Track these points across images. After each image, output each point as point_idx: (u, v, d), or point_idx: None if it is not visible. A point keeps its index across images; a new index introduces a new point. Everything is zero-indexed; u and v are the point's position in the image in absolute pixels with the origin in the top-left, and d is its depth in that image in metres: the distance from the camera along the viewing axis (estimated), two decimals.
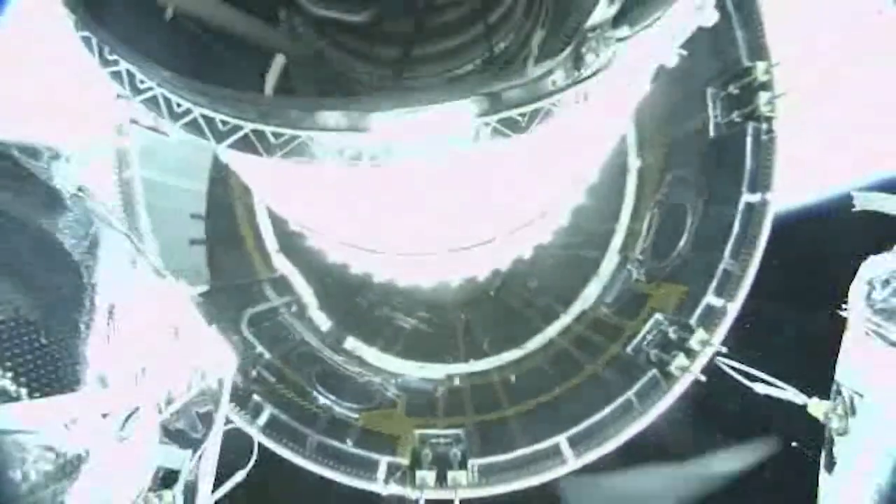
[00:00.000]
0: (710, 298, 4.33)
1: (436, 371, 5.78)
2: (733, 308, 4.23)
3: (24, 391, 1.92)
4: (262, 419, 4.42)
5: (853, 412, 2.74)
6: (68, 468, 2.00)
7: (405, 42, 3.18)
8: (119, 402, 2.28)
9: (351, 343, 5.89)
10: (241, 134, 2.14)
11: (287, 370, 5.08)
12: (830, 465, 2.85)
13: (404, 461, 4.24)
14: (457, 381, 5.78)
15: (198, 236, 5.37)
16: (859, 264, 2.93)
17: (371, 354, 5.91)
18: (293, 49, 3.75)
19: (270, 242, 5.97)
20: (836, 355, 2.87)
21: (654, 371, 4.39)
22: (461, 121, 2.02)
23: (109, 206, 2.85)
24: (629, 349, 4.80)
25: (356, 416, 4.91)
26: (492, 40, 3.52)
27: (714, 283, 4.30)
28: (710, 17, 2.20)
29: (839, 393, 2.86)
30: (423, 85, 3.30)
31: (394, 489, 4.19)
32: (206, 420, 3.17)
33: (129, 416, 2.29)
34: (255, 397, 4.54)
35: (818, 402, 2.97)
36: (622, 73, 2.08)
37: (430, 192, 2.97)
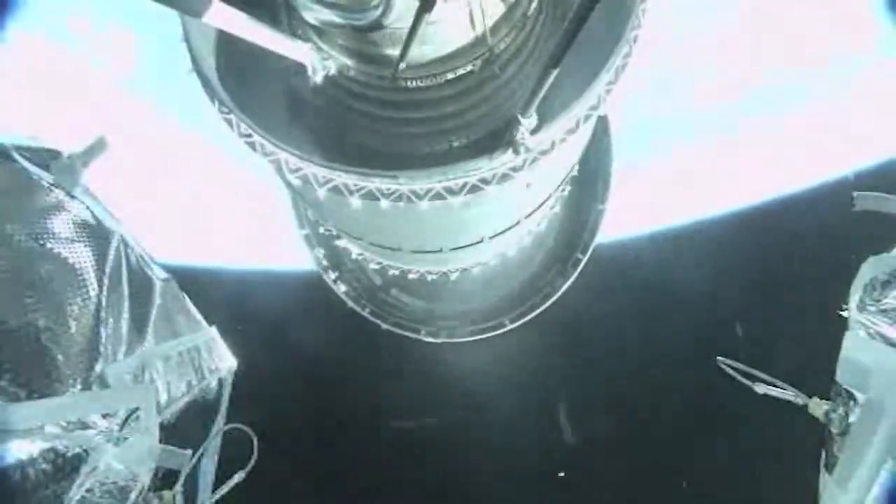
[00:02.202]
0: (577, 254, 9.10)
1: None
2: (585, 257, 9.02)
3: (23, 391, 1.92)
4: (367, 311, 9.50)
5: (853, 412, 2.73)
6: (68, 468, 1.99)
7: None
8: (119, 402, 2.28)
9: (394, 292, 9.85)
10: (333, 184, 3.32)
11: (368, 298, 9.67)
12: (830, 465, 2.84)
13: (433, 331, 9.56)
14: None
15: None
16: (860, 264, 2.92)
17: (407, 300, 9.95)
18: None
19: None
20: (836, 355, 2.86)
21: (549, 289, 9.41)
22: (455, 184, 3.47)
23: (108, 205, 2.86)
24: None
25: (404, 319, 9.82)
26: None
27: (580, 247, 9.07)
28: (604, 110, 3.52)
29: (839, 393, 2.85)
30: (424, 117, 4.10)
31: (425, 337, 9.52)
32: (207, 420, 3.18)
33: (129, 416, 2.29)
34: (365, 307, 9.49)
35: (818, 402, 2.96)
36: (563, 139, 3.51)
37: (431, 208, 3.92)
